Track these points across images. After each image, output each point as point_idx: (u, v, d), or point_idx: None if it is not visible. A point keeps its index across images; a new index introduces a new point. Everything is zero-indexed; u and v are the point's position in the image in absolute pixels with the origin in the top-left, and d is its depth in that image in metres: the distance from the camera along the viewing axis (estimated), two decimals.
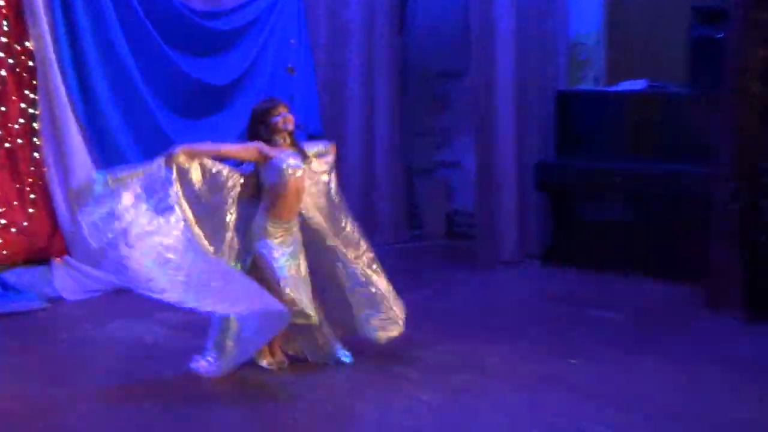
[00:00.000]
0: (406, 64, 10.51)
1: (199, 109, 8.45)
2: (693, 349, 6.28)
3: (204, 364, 5.63)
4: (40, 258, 7.65)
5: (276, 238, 5.54)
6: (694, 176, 7.79)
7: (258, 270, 5.52)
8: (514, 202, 8.97)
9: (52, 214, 7.63)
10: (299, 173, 5.61)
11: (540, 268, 8.83)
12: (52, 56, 7.46)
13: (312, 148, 5.95)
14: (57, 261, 7.65)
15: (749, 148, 6.88)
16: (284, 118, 5.65)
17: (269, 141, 5.62)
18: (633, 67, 8.98)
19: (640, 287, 7.95)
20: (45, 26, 7.41)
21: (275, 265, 5.50)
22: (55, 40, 7.49)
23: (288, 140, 5.69)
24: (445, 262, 9.31)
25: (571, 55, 9.40)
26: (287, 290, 5.46)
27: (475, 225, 9.17)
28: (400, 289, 7.25)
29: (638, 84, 8.52)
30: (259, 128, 5.65)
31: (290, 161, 5.57)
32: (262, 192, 5.61)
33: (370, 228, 9.79)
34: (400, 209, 10.29)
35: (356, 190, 9.73)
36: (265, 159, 5.55)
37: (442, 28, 10.43)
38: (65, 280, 7.61)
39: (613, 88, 8.80)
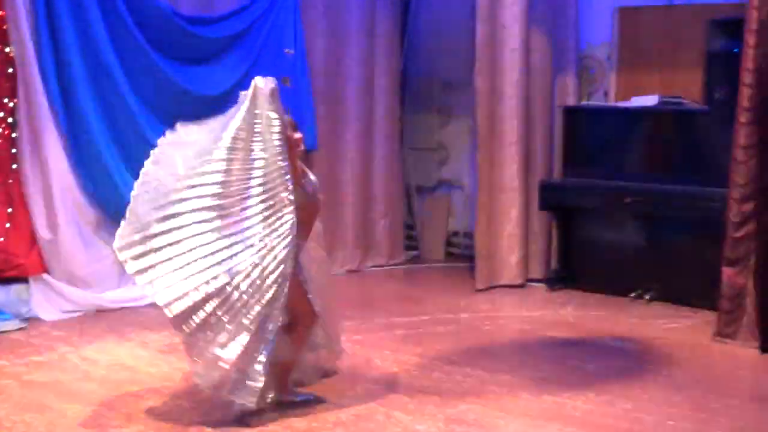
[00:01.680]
0: (407, 75, 10.55)
1: (188, 120, 8.40)
2: (705, 380, 6.28)
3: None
4: (16, 276, 7.63)
5: None
6: (708, 197, 7.79)
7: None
8: (516, 223, 8.97)
9: (30, 230, 7.62)
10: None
11: (544, 292, 8.83)
12: (34, 62, 7.45)
13: None
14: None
15: (765, 168, 6.88)
16: (298, 139, 5.57)
17: None
18: (645, 82, 9.00)
19: (650, 314, 7.96)
20: (27, 31, 7.41)
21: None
22: (38, 46, 7.49)
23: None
24: (443, 285, 9.31)
25: (580, 69, 9.43)
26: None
27: (476, 246, 9.16)
28: (395, 313, 7.30)
29: (650, 100, 8.52)
30: None
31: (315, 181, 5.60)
32: None
33: (365, 248, 9.84)
34: (398, 229, 10.30)
35: (352, 208, 9.75)
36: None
37: (446, 38, 10.45)
38: (43, 299, 7.60)
39: (624, 104, 8.80)
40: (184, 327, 5.14)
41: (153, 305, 7.60)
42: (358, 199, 9.79)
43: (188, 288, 5.10)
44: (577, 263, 8.87)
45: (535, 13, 9.01)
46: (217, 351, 5.10)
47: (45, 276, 7.62)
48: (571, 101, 9.22)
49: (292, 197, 5.20)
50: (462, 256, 10.27)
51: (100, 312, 7.77)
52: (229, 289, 5.09)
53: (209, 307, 5.08)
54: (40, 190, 7.58)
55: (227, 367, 5.10)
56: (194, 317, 5.10)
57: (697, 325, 7.55)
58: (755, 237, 6.98)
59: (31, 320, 7.47)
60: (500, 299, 8.63)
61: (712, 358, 6.81)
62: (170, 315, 5.14)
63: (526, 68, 8.94)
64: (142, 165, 7.90)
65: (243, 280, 5.10)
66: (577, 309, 8.20)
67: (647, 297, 8.26)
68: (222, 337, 5.10)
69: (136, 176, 7.87)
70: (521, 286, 8.98)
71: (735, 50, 7.48)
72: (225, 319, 5.09)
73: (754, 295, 6.99)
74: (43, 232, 7.58)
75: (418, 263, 10.31)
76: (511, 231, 8.97)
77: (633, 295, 8.32)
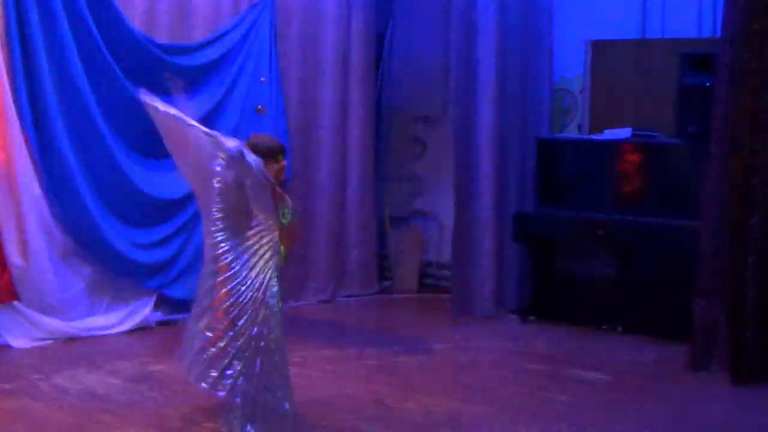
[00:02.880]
0: (381, 106, 10.58)
1: (161, 149, 8.40)
2: (676, 411, 6.31)
3: None
4: None
5: None
6: (680, 230, 7.86)
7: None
8: (491, 254, 8.99)
9: (1, 256, 7.57)
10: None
11: (518, 324, 8.84)
12: (7, 88, 7.44)
13: None
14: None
15: (737, 201, 6.94)
16: (283, 168, 5.65)
17: None
18: (618, 114, 9.07)
19: (623, 346, 7.98)
20: (0, 57, 7.40)
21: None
22: (11, 71, 7.47)
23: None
24: (417, 315, 9.32)
25: (554, 101, 9.49)
26: None
27: (450, 277, 9.17)
28: (366, 343, 7.27)
29: (623, 132, 8.59)
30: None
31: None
32: None
33: (338, 278, 9.84)
34: (371, 259, 10.30)
35: (325, 238, 9.74)
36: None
37: (420, 70, 10.51)
38: (13, 326, 7.55)
39: (597, 137, 8.86)
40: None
41: (124, 333, 7.67)
42: (332, 229, 9.79)
43: None
44: (550, 295, 8.89)
45: (510, 45, 9.07)
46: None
47: (15, 303, 7.57)
48: (544, 133, 9.28)
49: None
50: (436, 286, 10.28)
51: (71, 340, 7.72)
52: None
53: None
54: (11, 217, 7.54)
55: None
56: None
57: (669, 356, 7.57)
58: (727, 269, 7.02)
59: (0, 348, 7.41)
60: (474, 330, 8.63)
61: (683, 390, 6.83)
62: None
63: (501, 100, 8.99)
64: (113, 191, 7.96)
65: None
66: (549, 340, 8.21)
67: (619, 328, 8.28)
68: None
69: (107, 203, 7.95)
70: (495, 317, 8.99)
71: (707, 84, 7.56)
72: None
73: (727, 328, 7.03)
74: (14, 258, 7.53)
75: (392, 293, 10.30)
76: (485, 262, 8.98)
77: (605, 326, 8.35)
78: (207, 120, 8.68)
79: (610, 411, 6.29)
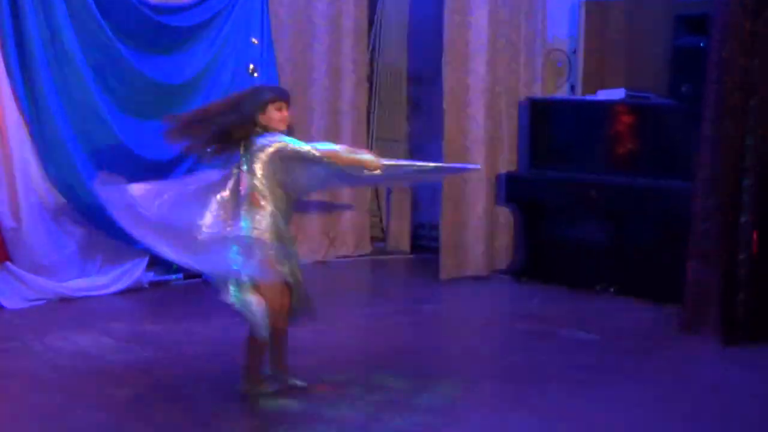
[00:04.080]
0: (374, 66, 10.56)
1: (152, 109, 8.39)
2: (667, 373, 6.34)
3: None
4: None
5: None
6: (673, 191, 7.87)
7: None
8: (483, 215, 9.01)
9: None
10: None
11: (509, 285, 8.87)
12: None
13: None
14: None
15: (730, 162, 6.95)
16: (282, 117, 5.54)
17: (248, 130, 5.49)
18: (611, 75, 9.06)
19: (614, 307, 8.01)
20: None
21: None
22: (1, 33, 7.44)
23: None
24: (408, 276, 9.35)
25: (547, 62, 9.48)
26: None
27: (441, 238, 9.18)
28: (359, 304, 7.31)
29: (616, 93, 8.58)
30: (256, 113, 5.50)
31: None
32: None
33: (330, 239, 9.86)
34: (364, 220, 10.32)
35: (318, 199, 9.74)
36: None
37: (413, 30, 10.48)
38: (5, 287, 7.56)
39: (591, 98, 8.86)
40: None
41: (117, 294, 7.69)
42: (325, 190, 9.79)
43: None
44: (542, 255, 8.92)
45: (503, 6, 9.05)
46: None
47: (8, 264, 7.58)
48: (537, 94, 9.27)
49: None
50: (428, 247, 10.30)
51: (64, 301, 7.74)
52: None
53: None
54: (3, 179, 7.54)
55: None
56: None
57: (661, 318, 7.60)
58: (719, 231, 7.05)
59: None
60: (466, 291, 8.66)
61: (675, 352, 6.86)
62: None
63: (493, 61, 8.97)
64: (104, 154, 7.96)
65: None
66: (542, 301, 8.24)
67: (612, 290, 8.32)
68: None
69: (98, 164, 7.94)
70: (486, 277, 9.01)
71: (701, 45, 7.55)
72: None
73: (718, 289, 7.06)
74: (6, 220, 7.54)
75: (385, 254, 10.32)
76: (476, 223, 9.00)
77: (598, 288, 8.38)
78: (197, 80, 8.69)
79: (603, 371, 6.32)
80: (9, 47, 7.48)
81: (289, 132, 5.62)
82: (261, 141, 5.45)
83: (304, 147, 5.47)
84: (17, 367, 6.16)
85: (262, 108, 5.51)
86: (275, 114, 5.52)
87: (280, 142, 5.45)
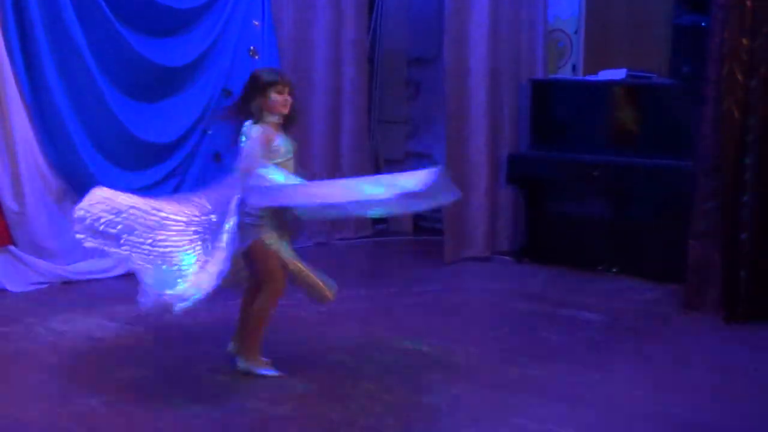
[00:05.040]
0: (375, 48, 10.55)
1: (153, 92, 8.41)
2: (670, 351, 6.37)
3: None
4: None
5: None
6: (675, 171, 7.87)
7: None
8: (484, 196, 9.00)
9: None
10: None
11: (512, 266, 8.88)
12: None
13: None
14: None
15: (731, 142, 6.94)
16: (284, 100, 5.53)
17: (257, 117, 5.51)
18: (613, 55, 9.05)
19: (617, 286, 8.02)
20: None
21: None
22: (1, 17, 7.43)
23: (280, 122, 5.56)
24: (410, 258, 9.35)
25: (548, 42, 9.46)
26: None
27: (443, 219, 9.18)
28: (361, 285, 7.30)
29: (618, 73, 8.57)
30: (255, 97, 5.50)
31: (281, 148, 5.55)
32: None
33: (333, 220, 9.85)
34: None
35: (320, 181, 9.72)
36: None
37: (414, 11, 10.46)
38: (8, 270, 7.58)
39: (592, 78, 8.85)
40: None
41: (120, 277, 7.70)
42: (326, 172, 9.77)
43: None
44: (544, 236, 8.92)
45: None
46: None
47: (11, 247, 7.60)
48: (539, 74, 9.26)
49: None
50: (430, 228, 10.30)
51: (67, 284, 7.75)
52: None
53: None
54: (5, 161, 7.55)
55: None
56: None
57: (663, 297, 7.62)
58: (721, 210, 7.05)
59: None
60: (467, 272, 8.67)
61: (678, 330, 6.89)
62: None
63: (494, 41, 8.96)
64: (105, 136, 7.96)
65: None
66: (544, 281, 8.25)
67: (614, 270, 8.32)
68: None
69: (99, 147, 7.95)
70: (488, 258, 9.02)
71: (702, 24, 7.54)
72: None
73: (720, 267, 7.08)
74: (9, 203, 7.55)
75: (386, 236, 10.33)
76: (478, 204, 8.99)
77: (600, 267, 8.39)
78: (198, 63, 8.69)
79: (605, 351, 6.34)
80: (10, 30, 7.47)
81: (292, 115, 5.63)
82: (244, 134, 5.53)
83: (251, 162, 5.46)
84: (20, 349, 6.18)
85: (262, 91, 5.51)
86: (277, 97, 5.52)
87: (246, 147, 5.49)
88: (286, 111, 5.56)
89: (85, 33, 7.83)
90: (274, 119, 5.54)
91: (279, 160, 5.48)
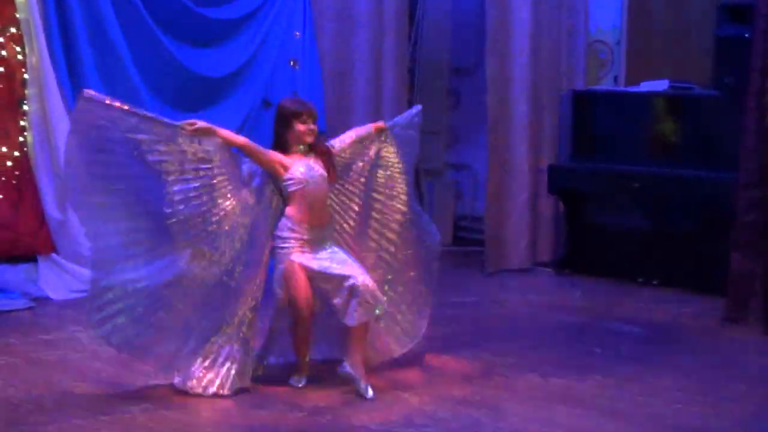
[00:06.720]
0: (415, 58, 10.56)
1: (194, 101, 8.46)
2: (713, 364, 6.32)
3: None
4: (25, 255, 7.68)
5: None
6: (717, 183, 7.83)
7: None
8: (525, 207, 9.00)
9: (39, 208, 7.66)
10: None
11: (552, 277, 8.87)
12: (43, 43, 7.49)
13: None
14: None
15: None
16: (308, 130, 5.62)
17: (285, 146, 5.62)
18: (655, 66, 9.02)
19: (658, 299, 8.00)
20: (36, 12, 7.44)
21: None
22: (46, 26, 7.52)
23: (303, 150, 5.65)
24: (450, 268, 9.32)
25: (590, 53, 9.45)
26: None
27: (484, 230, 9.17)
28: None
29: (660, 85, 8.55)
30: (281, 128, 5.63)
31: (298, 173, 5.60)
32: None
33: None
34: None
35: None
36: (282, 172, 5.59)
37: (455, 22, 10.48)
38: (51, 278, 7.65)
39: (634, 89, 8.83)
40: None
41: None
42: None
43: None
44: (584, 247, 8.90)
45: None
46: None
47: (53, 255, 7.67)
48: (580, 86, 9.25)
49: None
50: (470, 239, 10.29)
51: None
52: None
53: None
54: (48, 170, 7.62)
55: None
56: None
57: (705, 309, 7.58)
58: (764, 222, 7.01)
59: (40, 299, 7.52)
60: (508, 283, 8.67)
61: (720, 343, 6.85)
62: None
63: (536, 52, 8.95)
64: None
65: None
66: (584, 293, 8.24)
67: (655, 282, 8.28)
68: None
69: None
70: (528, 270, 9.00)
71: (746, 35, 7.50)
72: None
73: (762, 280, 7.03)
74: (52, 211, 7.62)
75: None
76: (519, 215, 8.99)
77: (641, 280, 8.36)
78: (239, 73, 8.74)
79: (646, 363, 6.30)
80: (54, 40, 7.56)
81: (319, 142, 5.73)
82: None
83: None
84: (62, 357, 6.22)
85: (288, 123, 5.61)
86: (301, 127, 5.60)
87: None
88: (311, 140, 5.64)
89: (128, 41, 7.92)
90: (300, 149, 5.63)
91: (294, 189, 5.54)
